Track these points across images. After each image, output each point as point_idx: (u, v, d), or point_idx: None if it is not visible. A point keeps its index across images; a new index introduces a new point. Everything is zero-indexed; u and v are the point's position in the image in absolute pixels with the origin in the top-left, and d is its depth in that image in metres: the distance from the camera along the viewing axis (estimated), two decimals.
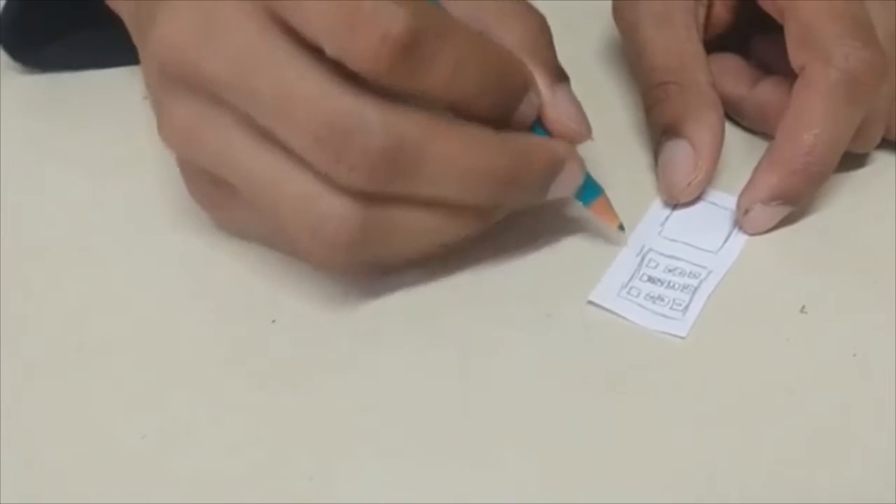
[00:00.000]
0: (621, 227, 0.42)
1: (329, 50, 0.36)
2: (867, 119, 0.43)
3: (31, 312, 0.42)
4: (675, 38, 0.45)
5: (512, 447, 0.38)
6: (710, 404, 0.38)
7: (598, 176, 0.42)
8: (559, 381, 0.39)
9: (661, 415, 0.38)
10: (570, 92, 0.41)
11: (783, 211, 0.43)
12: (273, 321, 0.41)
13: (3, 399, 0.40)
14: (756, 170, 0.43)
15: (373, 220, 0.38)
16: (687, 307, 0.40)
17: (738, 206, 0.43)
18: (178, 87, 0.38)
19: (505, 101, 0.39)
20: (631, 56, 0.48)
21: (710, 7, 0.47)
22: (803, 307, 0.40)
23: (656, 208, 0.44)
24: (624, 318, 0.40)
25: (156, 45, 0.38)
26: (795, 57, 0.43)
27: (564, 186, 0.41)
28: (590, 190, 0.42)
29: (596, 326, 0.40)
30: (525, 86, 0.40)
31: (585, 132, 0.41)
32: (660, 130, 0.45)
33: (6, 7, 0.49)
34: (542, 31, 0.41)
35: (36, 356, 0.41)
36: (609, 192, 0.42)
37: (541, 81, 0.40)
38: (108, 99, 0.49)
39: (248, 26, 0.37)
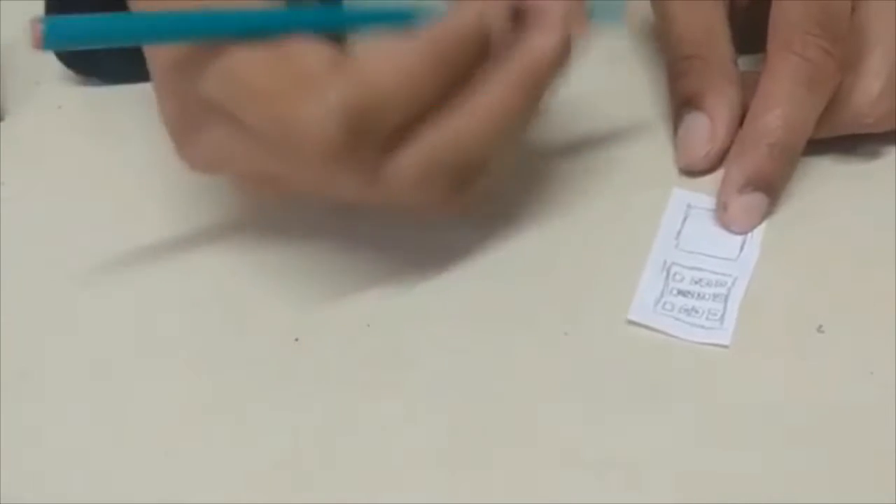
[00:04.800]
0: None
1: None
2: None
3: (54, 331, 0.43)
4: (703, 13, 0.47)
5: (544, 464, 0.38)
6: (729, 423, 0.39)
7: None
8: (581, 398, 0.40)
9: (683, 433, 0.39)
10: None
11: (759, 200, 0.44)
12: (296, 340, 0.42)
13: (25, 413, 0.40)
14: (727, 161, 0.45)
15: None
16: (723, 316, 0.42)
17: (717, 203, 0.45)
18: None
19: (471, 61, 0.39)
20: (658, 27, 0.49)
21: None
22: (820, 326, 0.41)
23: (668, 218, 0.45)
24: (665, 333, 0.41)
25: None
26: (769, 42, 0.45)
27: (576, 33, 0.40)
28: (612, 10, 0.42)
29: (614, 343, 0.41)
30: (479, 26, 0.39)
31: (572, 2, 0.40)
32: (680, 102, 0.46)
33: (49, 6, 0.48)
34: None
35: (52, 370, 0.41)
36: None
37: None
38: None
39: None
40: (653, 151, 0.47)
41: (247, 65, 0.37)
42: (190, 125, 0.40)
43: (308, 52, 0.37)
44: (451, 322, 0.42)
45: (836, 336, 0.42)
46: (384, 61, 0.37)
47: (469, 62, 0.38)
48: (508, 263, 0.44)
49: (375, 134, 0.37)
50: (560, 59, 0.39)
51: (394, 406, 0.40)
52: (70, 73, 0.51)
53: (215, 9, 0.38)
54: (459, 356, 0.41)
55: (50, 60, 0.50)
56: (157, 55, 0.40)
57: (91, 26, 0.37)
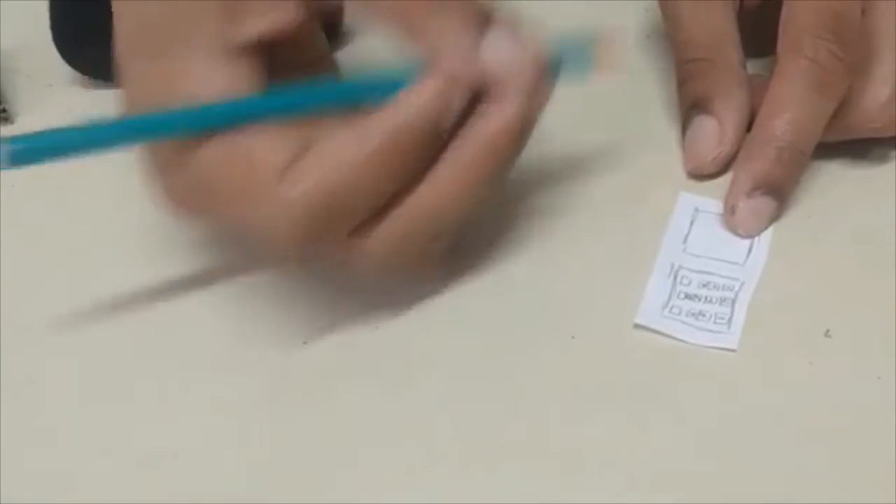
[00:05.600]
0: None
1: None
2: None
3: (55, 334, 0.43)
4: (713, 16, 0.47)
5: (551, 467, 0.39)
6: (736, 427, 0.39)
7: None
8: (588, 401, 0.40)
9: (690, 437, 0.39)
10: (498, 36, 0.38)
11: (768, 204, 0.44)
12: (304, 342, 0.42)
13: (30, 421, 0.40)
14: (735, 165, 0.45)
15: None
16: (730, 320, 0.42)
17: (725, 206, 0.44)
18: None
19: (426, 152, 0.38)
20: (667, 30, 0.48)
21: None
22: (827, 331, 0.41)
23: (675, 222, 0.45)
24: (672, 337, 0.41)
25: None
26: (779, 45, 0.45)
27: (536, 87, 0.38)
28: (580, 58, 0.40)
29: (621, 347, 0.41)
30: (430, 120, 0.37)
31: (530, 69, 0.38)
32: (689, 105, 0.46)
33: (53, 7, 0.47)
34: None
35: (53, 373, 0.42)
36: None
37: (461, 41, 0.38)
38: None
39: None
40: (660, 155, 0.47)
41: (208, 166, 0.38)
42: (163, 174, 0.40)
43: (267, 150, 0.37)
44: (458, 326, 0.42)
45: (844, 340, 0.41)
46: (341, 154, 0.37)
47: (428, 143, 0.38)
48: (516, 267, 0.44)
49: (339, 223, 0.38)
50: (523, 126, 0.39)
51: (400, 410, 0.40)
52: (80, 76, 0.51)
53: (179, 107, 0.38)
54: (466, 360, 0.41)
55: (61, 63, 0.51)
56: None
57: (55, 140, 0.37)
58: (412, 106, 0.37)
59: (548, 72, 0.39)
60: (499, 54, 0.38)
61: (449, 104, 0.38)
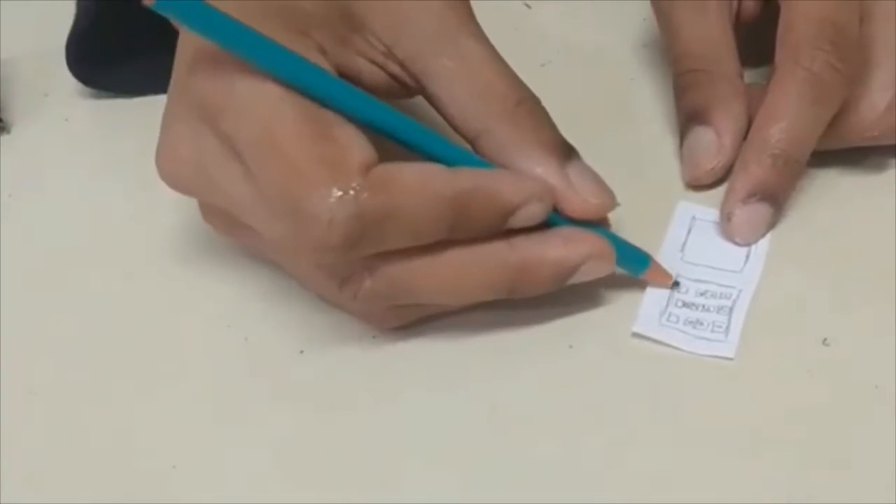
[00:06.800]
0: (676, 284, 0.43)
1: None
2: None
3: (57, 340, 0.43)
4: (710, 27, 0.47)
5: (546, 477, 0.39)
6: (733, 435, 0.39)
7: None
8: (585, 410, 0.40)
9: (687, 445, 0.39)
10: (582, 166, 0.41)
11: (763, 210, 0.44)
12: (301, 352, 0.42)
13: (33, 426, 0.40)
14: (731, 173, 0.45)
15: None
16: (727, 328, 0.42)
17: (721, 214, 0.44)
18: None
19: (483, 228, 0.39)
20: (663, 40, 0.48)
21: (740, 1, 0.48)
22: (825, 340, 0.41)
23: (673, 230, 0.45)
24: (669, 345, 0.41)
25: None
26: (776, 54, 0.45)
27: (590, 275, 0.41)
28: (637, 261, 0.42)
29: (618, 355, 0.41)
30: (507, 202, 0.38)
31: (608, 202, 0.41)
32: (686, 116, 0.46)
33: (73, 29, 0.48)
34: (532, 113, 0.41)
35: (55, 379, 0.42)
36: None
37: (549, 166, 0.40)
38: None
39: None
40: (657, 164, 0.47)
41: (285, 119, 0.37)
42: (185, 133, 0.39)
43: (353, 146, 0.37)
44: (455, 335, 0.42)
45: (842, 349, 0.41)
46: (414, 186, 0.37)
47: (490, 223, 0.39)
48: None
49: (367, 250, 0.37)
50: (558, 279, 0.40)
51: (398, 418, 0.40)
52: (78, 85, 0.51)
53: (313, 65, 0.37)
54: (464, 368, 0.41)
55: (58, 72, 0.50)
56: (188, 48, 0.39)
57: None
58: (509, 183, 0.39)
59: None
60: (583, 189, 0.40)
61: (532, 205, 0.39)
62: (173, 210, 0.46)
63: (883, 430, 0.39)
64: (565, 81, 0.49)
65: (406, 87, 0.41)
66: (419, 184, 0.37)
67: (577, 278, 0.41)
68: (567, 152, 0.41)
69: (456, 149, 0.40)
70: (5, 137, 0.50)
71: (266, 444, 0.40)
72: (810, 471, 0.38)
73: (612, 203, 0.41)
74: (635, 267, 0.42)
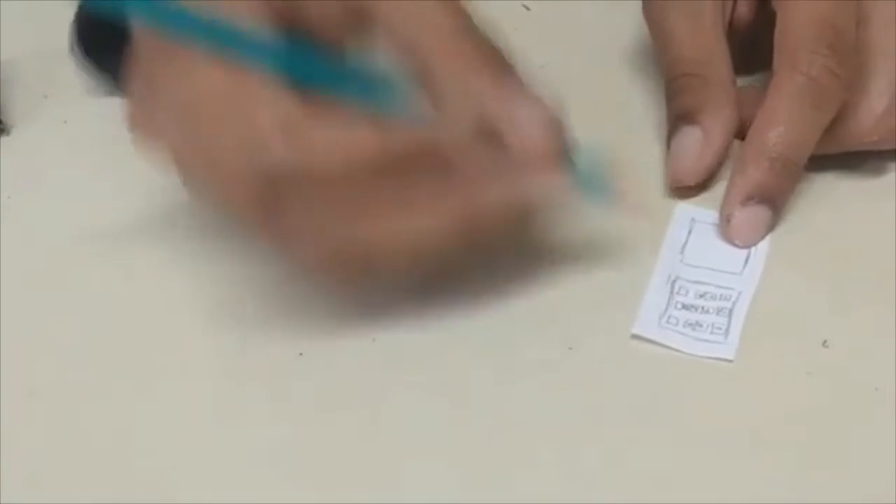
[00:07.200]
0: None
1: None
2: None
3: (57, 341, 0.43)
4: (703, 32, 0.47)
5: (547, 479, 0.39)
6: (733, 437, 0.39)
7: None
8: (585, 412, 0.40)
9: (687, 447, 0.39)
10: (520, 87, 0.39)
11: (762, 213, 0.44)
12: (300, 354, 0.42)
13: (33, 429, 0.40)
14: (730, 177, 0.45)
15: None
16: (727, 330, 0.42)
17: (720, 216, 0.45)
18: None
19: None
20: (657, 47, 0.48)
21: (734, 8, 0.48)
22: (825, 341, 0.41)
23: (672, 232, 0.45)
24: (669, 347, 0.41)
25: None
26: (775, 59, 0.45)
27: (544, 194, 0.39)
28: (599, 187, 0.41)
29: (618, 357, 0.41)
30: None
31: (553, 135, 0.39)
32: (676, 117, 0.46)
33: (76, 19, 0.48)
34: (470, 31, 0.39)
35: (55, 378, 0.42)
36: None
37: (483, 83, 0.38)
38: None
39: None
40: (655, 167, 0.47)
41: (204, 88, 0.37)
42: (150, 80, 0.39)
43: (271, 102, 0.37)
44: (454, 337, 0.42)
45: (842, 351, 0.42)
46: (335, 140, 0.37)
47: (416, 172, 0.38)
48: (512, 279, 0.44)
49: (294, 203, 0.37)
50: (517, 205, 0.39)
51: (397, 420, 0.40)
52: (78, 86, 0.51)
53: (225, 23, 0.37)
54: (463, 370, 0.41)
55: (58, 74, 0.50)
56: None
57: None
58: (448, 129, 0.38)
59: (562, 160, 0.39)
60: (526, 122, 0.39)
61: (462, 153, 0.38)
62: (173, 210, 0.46)
63: (883, 432, 0.39)
64: (565, 82, 0.49)
65: (354, 16, 0.40)
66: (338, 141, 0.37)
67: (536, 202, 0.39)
68: (501, 70, 0.39)
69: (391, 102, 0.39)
70: (5, 139, 0.50)
71: (266, 445, 0.40)
72: (810, 472, 0.39)
73: (557, 142, 0.39)
74: (596, 192, 0.41)
